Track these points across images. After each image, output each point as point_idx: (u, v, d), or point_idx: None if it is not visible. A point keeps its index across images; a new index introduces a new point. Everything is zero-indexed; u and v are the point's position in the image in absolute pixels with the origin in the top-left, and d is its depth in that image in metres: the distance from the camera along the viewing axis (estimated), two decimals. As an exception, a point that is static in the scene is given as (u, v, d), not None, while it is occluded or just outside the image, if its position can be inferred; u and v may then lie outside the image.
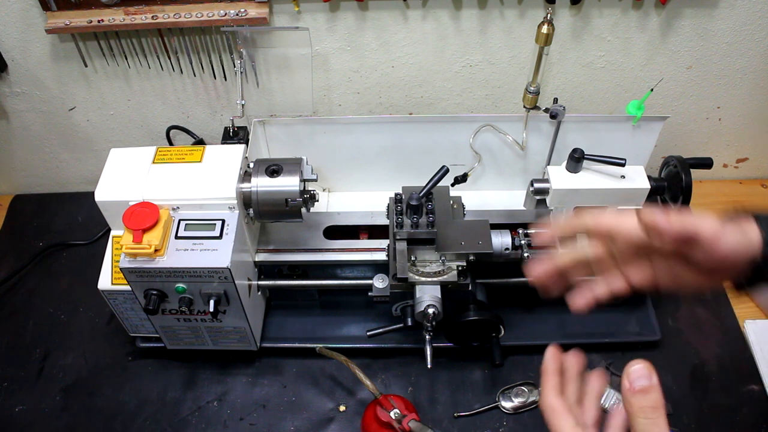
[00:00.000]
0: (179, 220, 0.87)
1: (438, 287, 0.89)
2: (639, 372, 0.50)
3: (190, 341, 0.99)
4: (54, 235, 1.26)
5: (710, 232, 0.56)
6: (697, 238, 0.56)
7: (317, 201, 0.96)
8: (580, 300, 0.63)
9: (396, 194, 0.93)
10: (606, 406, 0.95)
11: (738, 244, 0.56)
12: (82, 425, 0.99)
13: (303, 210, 0.92)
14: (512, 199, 1.16)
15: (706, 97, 1.18)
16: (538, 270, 0.63)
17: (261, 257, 0.99)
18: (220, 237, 0.86)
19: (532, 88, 0.97)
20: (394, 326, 0.94)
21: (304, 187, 0.92)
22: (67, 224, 1.28)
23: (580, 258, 0.63)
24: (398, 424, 0.87)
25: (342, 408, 0.99)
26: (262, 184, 0.91)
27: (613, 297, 0.64)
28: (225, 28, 1.03)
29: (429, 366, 0.89)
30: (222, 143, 1.08)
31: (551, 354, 0.61)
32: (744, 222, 0.58)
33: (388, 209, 0.98)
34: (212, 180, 0.89)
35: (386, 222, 0.97)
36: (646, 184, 0.89)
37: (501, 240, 0.92)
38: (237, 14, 1.01)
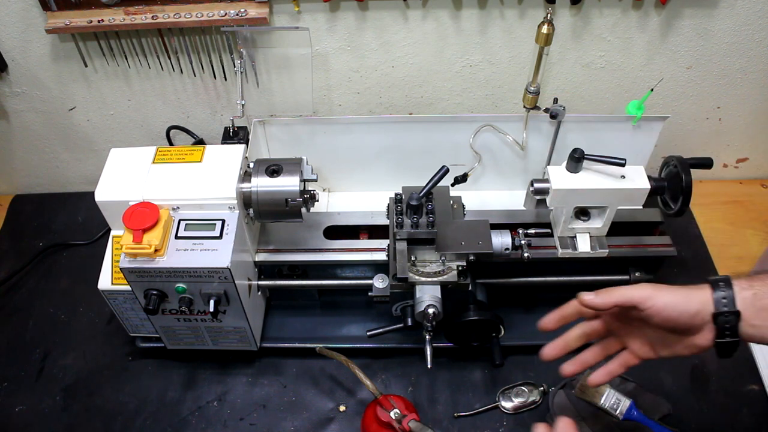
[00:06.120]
0: (179, 220, 0.87)
1: (438, 287, 0.89)
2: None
3: (190, 341, 0.99)
4: (54, 235, 1.26)
5: (640, 296, 0.68)
6: (632, 302, 0.68)
7: (317, 201, 0.96)
8: (596, 377, 0.76)
9: (396, 194, 0.93)
10: (606, 406, 0.95)
11: (675, 302, 0.67)
12: (82, 425, 0.99)
13: (303, 210, 0.92)
14: (512, 199, 1.16)
15: (706, 97, 1.18)
16: (551, 353, 0.77)
17: (261, 257, 0.99)
18: (220, 237, 0.86)
19: (532, 88, 0.97)
20: (394, 326, 0.94)
21: (304, 187, 0.93)
22: (67, 224, 1.28)
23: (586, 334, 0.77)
24: (398, 424, 0.87)
25: (342, 408, 0.99)
26: (262, 184, 0.91)
27: (626, 369, 0.75)
28: (225, 28, 1.03)
29: (429, 366, 0.89)
30: (222, 143, 1.08)
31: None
32: (700, 287, 0.68)
33: (388, 209, 0.98)
34: (212, 180, 0.89)
35: (386, 222, 0.97)
36: (646, 184, 0.89)
37: (501, 240, 0.92)
38: (237, 14, 1.01)
